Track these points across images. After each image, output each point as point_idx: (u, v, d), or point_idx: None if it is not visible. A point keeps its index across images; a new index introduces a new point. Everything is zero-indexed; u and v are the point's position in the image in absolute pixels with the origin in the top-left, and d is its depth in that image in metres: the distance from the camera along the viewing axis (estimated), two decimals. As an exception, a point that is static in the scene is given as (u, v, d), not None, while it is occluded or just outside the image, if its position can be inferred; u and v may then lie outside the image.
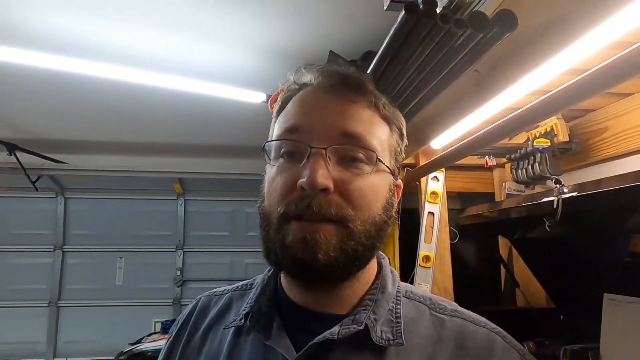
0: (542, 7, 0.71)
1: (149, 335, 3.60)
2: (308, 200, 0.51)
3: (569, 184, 1.26)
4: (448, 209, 1.65)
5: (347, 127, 0.54)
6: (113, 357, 4.05)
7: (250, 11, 1.94)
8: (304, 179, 0.51)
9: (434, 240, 1.51)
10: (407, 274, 1.61)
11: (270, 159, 0.58)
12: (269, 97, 2.49)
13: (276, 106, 0.63)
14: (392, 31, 0.71)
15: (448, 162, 1.35)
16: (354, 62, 2.10)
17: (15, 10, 1.84)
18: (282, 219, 0.53)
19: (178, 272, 4.59)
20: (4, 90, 2.72)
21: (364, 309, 0.55)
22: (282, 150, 0.56)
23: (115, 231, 4.58)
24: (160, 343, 3.13)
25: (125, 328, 4.40)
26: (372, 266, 0.61)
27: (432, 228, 1.52)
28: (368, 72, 0.90)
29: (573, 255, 1.41)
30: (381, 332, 0.54)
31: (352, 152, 0.54)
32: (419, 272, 1.49)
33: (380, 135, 0.57)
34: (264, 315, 0.58)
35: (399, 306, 0.58)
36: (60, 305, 4.44)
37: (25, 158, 3.79)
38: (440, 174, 1.57)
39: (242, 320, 0.59)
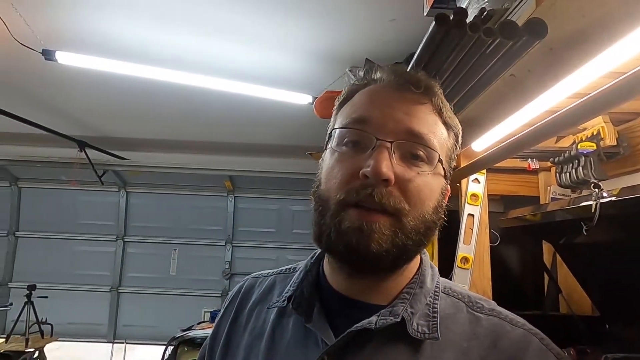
0: (577, 14, 0.73)
1: (199, 323, 3.81)
2: (370, 189, 0.52)
3: (616, 189, 1.23)
4: (490, 212, 1.63)
5: (413, 125, 0.56)
6: (165, 342, 4.34)
7: (298, 18, 2.03)
8: (369, 168, 0.52)
9: (473, 242, 1.51)
10: (444, 274, 1.62)
11: (333, 146, 0.58)
12: (314, 99, 2.57)
13: (339, 97, 0.63)
14: (424, 40, 0.75)
15: (489, 164, 1.35)
16: (398, 64, 2.13)
17: (87, 21, 2.04)
18: (340, 205, 0.54)
19: (227, 266, 4.80)
20: (76, 94, 3.01)
21: (402, 302, 0.56)
22: (346, 139, 0.57)
23: (170, 224, 4.87)
24: (208, 331, 3.31)
25: (177, 316, 4.66)
26: (415, 261, 0.61)
27: (472, 230, 1.52)
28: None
29: (620, 262, 1.36)
30: (417, 325, 0.55)
31: (415, 149, 0.56)
32: (456, 273, 1.50)
33: (441, 139, 0.59)
34: (306, 300, 0.60)
35: (436, 301, 0.58)
36: (120, 291, 4.79)
37: (93, 154, 4.14)
38: (481, 176, 1.56)
39: (285, 302, 0.62)
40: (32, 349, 3.67)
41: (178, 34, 2.16)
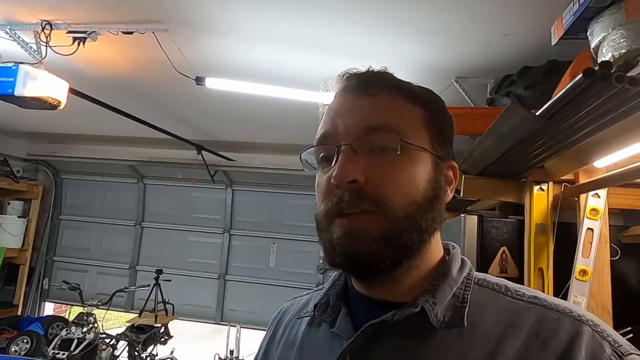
0: None
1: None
2: (340, 194, 0.52)
3: None
4: (610, 226, 1.65)
5: (369, 119, 0.55)
6: (265, 328, 4.73)
7: (409, 34, 2.16)
8: (333, 174, 0.53)
9: (592, 256, 1.55)
10: (559, 284, 1.67)
11: (314, 168, 0.60)
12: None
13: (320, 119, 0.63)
14: (568, 86, 0.86)
15: (614, 183, 1.39)
16: (509, 76, 2.17)
17: (224, 49, 2.37)
18: (327, 219, 0.54)
19: (321, 261, 5.09)
20: (195, 103, 3.42)
21: (423, 295, 0.54)
22: (320, 157, 0.59)
23: (270, 220, 5.28)
24: (310, 321, 3.56)
25: (275, 304, 4.92)
26: (435, 253, 0.58)
27: (591, 244, 1.56)
28: (540, 111, 1.04)
29: None
30: (443, 316, 0.52)
31: (377, 141, 0.54)
32: (574, 284, 1.54)
33: (410, 119, 0.56)
34: (332, 306, 0.61)
35: (467, 292, 0.55)
36: (226, 279, 5.32)
37: (206, 156, 4.64)
38: (602, 191, 1.58)
39: (313, 311, 0.63)
40: (159, 324, 4.27)
41: (294, 54, 2.40)
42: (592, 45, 1.13)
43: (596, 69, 0.78)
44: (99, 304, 3.74)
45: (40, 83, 2.34)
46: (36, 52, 2.40)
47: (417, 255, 0.55)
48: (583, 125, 1.01)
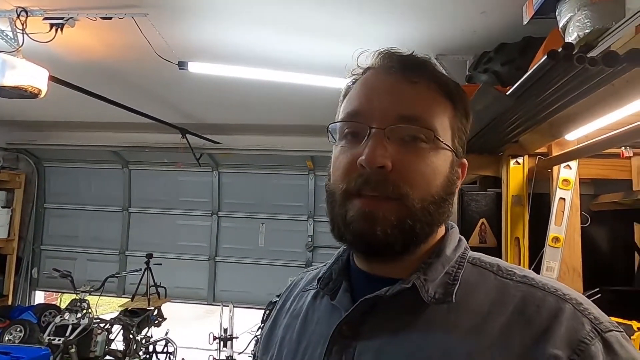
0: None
1: (291, 290, 4.20)
2: (366, 177, 0.53)
3: None
4: (580, 195, 1.75)
5: (406, 107, 0.55)
6: (257, 306, 4.86)
7: (387, 12, 2.19)
8: (363, 157, 0.53)
9: (564, 224, 1.65)
10: (535, 251, 1.78)
11: (335, 140, 0.60)
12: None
13: (343, 89, 0.64)
14: (534, 67, 0.92)
15: (584, 154, 1.48)
16: (487, 53, 2.22)
17: (207, 32, 2.36)
18: (344, 195, 0.55)
19: (309, 239, 5.19)
20: (178, 87, 3.39)
21: (416, 272, 0.56)
22: (345, 132, 0.58)
23: (258, 201, 5.32)
24: (301, 297, 3.67)
25: (266, 283, 5.16)
26: (437, 234, 0.61)
27: (563, 212, 1.65)
28: (510, 91, 1.10)
29: None
30: (434, 292, 0.54)
31: (410, 131, 0.55)
32: (547, 251, 1.64)
33: (442, 114, 0.57)
34: (334, 280, 0.63)
35: (459, 271, 0.57)
36: (217, 260, 5.38)
37: (192, 140, 4.63)
38: (573, 163, 1.67)
39: (316, 284, 0.66)
40: (152, 307, 4.34)
41: (273, 35, 2.40)
42: (560, 24, 1.19)
43: (559, 50, 0.84)
44: (92, 290, 3.77)
45: (19, 72, 2.31)
46: (13, 40, 2.36)
47: (423, 242, 0.57)
48: (551, 102, 1.08)
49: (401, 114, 0.55)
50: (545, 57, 0.85)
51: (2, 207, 5.21)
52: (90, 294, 3.80)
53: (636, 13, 0.91)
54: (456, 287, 0.55)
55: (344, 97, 0.63)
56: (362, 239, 0.54)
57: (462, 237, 0.64)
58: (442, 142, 0.56)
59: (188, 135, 4.57)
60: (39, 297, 5.96)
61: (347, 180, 0.55)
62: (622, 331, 0.51)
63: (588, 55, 0.85)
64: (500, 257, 1.94)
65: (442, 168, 0.57)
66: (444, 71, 0.64)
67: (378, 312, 0.56)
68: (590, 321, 0.50)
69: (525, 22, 1.30)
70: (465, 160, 0.63)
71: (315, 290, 0.67)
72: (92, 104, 3.38)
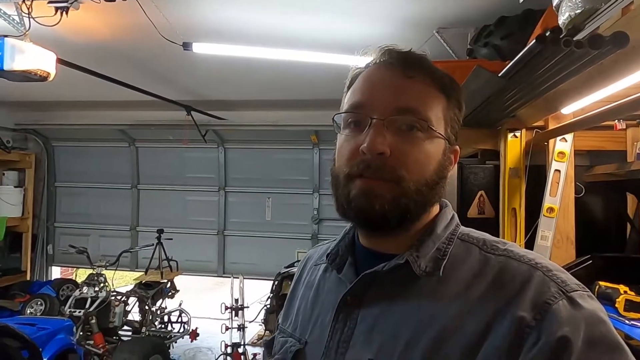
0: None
1: (298, 261, 4.34)
2: (367, 162, 0.60)
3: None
4: (576, 166, 1.81)
5: (403, 100, 0.61)
6: (265, 277, 5.03)
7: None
8: (365, 145, 0.60)
9: (559, 194, 1.72)
10: (530, 221, 1.86)
11: (340, 129, 0.67)
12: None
13: (347, 82, 0.70)
14: (524, 51, 0.97)
15: (579, 127, 1.53)
16: (487, 26, 2.23)
17: (207, 12, 2.38)
18: (347, 178, 0.62)
19: (315, 212, 5.30)
20: (182, 65, 3.42)
21: (410, 249, 0.63)
22: (348, 121, 0.65)
23: (264, 176, 5.41)
24: (308, 268, 3.81)
25: (274, 255, 5.31)
26: (431, 213, 0.67)
27: (558, 184, 1.72)
28: (502, 73, 1.15)
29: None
30: (425, 266, 0.61)
31: (407, 122, 0.61)
32: (542, 221, 1.72)
33: (436, 106, 0.63)
34: (340, 256, 0.71)
35: (449, 247, 0.64)
36: (225, 234, 5.53)
37: (196, 116, 4.68)
38: (569, 135, 1.73)
39: (325, 259, 0.74)
40: (165, 280, 4.52)
41: (275, 13, 2.42)
42: (554, 3, 1.22)
43: (547, 34, 0.89)
44: (107, 265, 3.93)
45: (27, 56, 2.36)
46: (19, 25, 2.39)
47: (417, 220, 0.64)
48: (543, 80, 1.13)
49: (399, 106, 0.62)
50: (534, 41, 0.90)
51: (15, 187, 5.34)
52: (106, 269, 3.95)
53: (623, -6, 0.96)
54: (444, 262, 0.62)
55: (348, 89, 0.69)
56: (363, 213, 0.61)
57: (455, 214, 0.71)
58: (435, 131, 0.63)
59: (193, 112, 4.62)
60: (56, 272, 6.18)
61: (350, 165, 0.62)
62: (587, 291, 0.57)
63: (574, 39, 0.90)
64: (498, 227, 2.04)
65: (435, 154, 0.63)
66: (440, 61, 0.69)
67: (377, 284, 0.64)
68: (557, 284, 0.55)
69: (521, 1, 1.33)
70: (457, 147, 0.69)
71: (325, 264, 0.75)
72: (98, 84, 3.43)
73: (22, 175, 5.51)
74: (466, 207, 1.99)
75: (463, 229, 0.68)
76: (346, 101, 0.68)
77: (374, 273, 0.63)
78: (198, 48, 2.40)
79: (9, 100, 4.92)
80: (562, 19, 1.16)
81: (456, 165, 0.71)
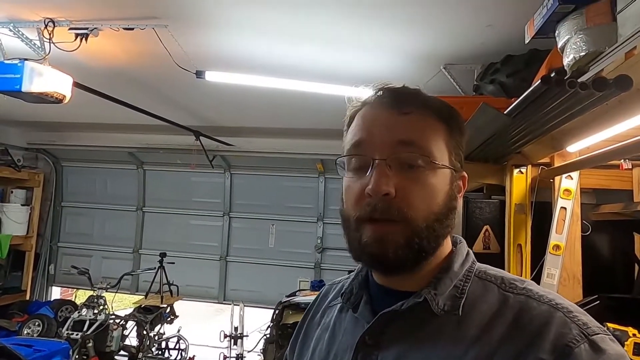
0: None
1: (300, 290, 4.30)
2: (374, 204, 0.59)
3: None
4: (582, 204, 1.80)
5: (402, 137, 0.61)
6: (266, 306, 4.95)
7: (396, 24, 2.26)
8: (370, 187, 0.59)
9: (565, 232, 1.71)
10: (537, 258, 1.84)
11: (345, 171, 0.66)
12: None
13: (345, 120, 0.70)
14: (529, 90, 0.99)
15: (584, 166, 1.53)
16: (494, 64, 2.29)
17: (222, 42, 2.46)
18: (358, 221, 0.61)
19: (319, 241, 5.26)
20: (194, 91, 3.50)
21: (427, 287, 0.61)
22: (352, 163, 0.65)
23: (268, 202, 5.42)
24: (310, 298, 3.76)
25: (276, 283, 5.23)
26: (444, 249, 0.66)
27: (564, 221, 1.71)
28: (507, 111, 1.17)
29: None
30: (444, 305, 0.60)
31: (409, 159, 0.61)
32: (548, 258, 1.71)
33: (437, 137, 0.63)
34: (355, 295, 0.69)
35: (467, 284, 0.62)
36: (228, 260, 5.49)
37: (204, 141, 4.74)
38: (575, 173, 1.73)
39: (340, 299, 0.73)
40: (165, 305, 4.46)
41: (286, 44, 2.50)
42: (559, 45, 1.26)
43: (552, 75, 0.92)
44: (108, 287, 3.91)
45: (45, 79, 2.44)
46: (40, 49, 2.48)
47: (431, 256, 0.63)
48: (548, 119, 1.15)
49: (400, 141, 0.62)
50: (539, 81, 0.92)
51: (22, 205, 5.38)
52: (106, 291, 3.92)
53: (627, 39, 0.98)
54: (463, 300, 0.61)
55: (347, 127, 0.69)
56: (377, 260, 0.61)
57: (470, 251, 0.69)
58: (438, 164, 0.62)
59: (202, 138, 4.69)
60: (56, 293, 6.13)
61: (359, 208, 0.62)
62: (609, 334, 0.55)
63: (579, 80, 0.92)
64: (503, 263, 2.02)
65: (441, 187, 0.63)
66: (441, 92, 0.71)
67: (395, 323, 0.63)
68: (579, 326, 0.54)
69: (527, 41, 1.37)
70: (464, 173, 0.69)
71: (339, 304, 0.74)
72: (110, 107, 3.50)
73: (30, 193, 5.56)
74: (471, 241, 1.98)
75: (479, 265, 0.67)
76: (346, 142, 0.68)
77: (393, 312, 0.62)
78: (210, 76, 2.47)
79: (22, 120, 5.03)
80: (567, 60, 1.19)
81: (462, 199, 0.70)
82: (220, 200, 5.53)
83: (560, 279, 1.70)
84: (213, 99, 3.70)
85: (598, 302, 1.58)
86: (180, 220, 5.62)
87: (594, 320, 0.56)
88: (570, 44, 1.18)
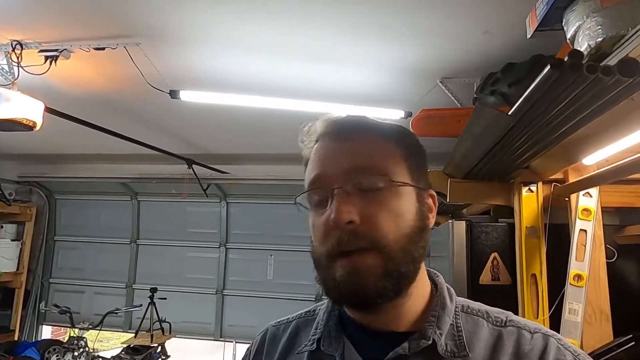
0: None
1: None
2: (339, 235, 0.56)
3: None
4: (604, 225, 1.56)
5: (355, 162, 0.60)
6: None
7: (388, 36, 2.10)
8: (331, 217, 0.57)
9: (587, 259, 1.45)
10: (554, 290, 1.58)
11: (308, 209, 0.64)
12: (407, 113, 2.61)
13: (304, 160, 0.68)
14: (536, 82, 0.78)
15: (604, 181, 1.30)
16: (493, 74, 2.09)
17: (201, 61, 2.32)
18: (328, 258, 0.58)
19: (319, 272, 4.99)
20: (185, 119, 3.38)
21: (429, 325, 0.59)
22: (313, 200, 0.63)
23: (267, 231, 5.18)
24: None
25: (275, 318, 4.81)
26: (423, 281, 0.64)
27: (585, 246, 1.46)
28: (512, 110, 0.96)
29: None
30: (446, 345, 0.58)
31: (365, 182, 0.59)
32: (569, 291, 1.45)
33: (391, 158, 0.61)
34: (334, 339, 0.64)
35: (459, 320, 0.61)
36: (224, 293, 5.21)
37: (198, 170, 4.58)
38: (594, 190, 1.50)
39: (314, 345, 0.65)
40: (156, 344, 4.17)
41: (274, 63, 2.34)
42: (568, 35, 1.05)
43: (565, 59, 0.70)
44: (89, 326, 3.65)
45: (13, 104, 2.28)
46: (8, 73, 2.34)
47: (412, 283, 0.60)
48: (561, 121, 0.93)
49: (354, 167, 0.59)
50: (549, 67, 0.71)
51: (12, 240, 5.20)
52: (88, 330, 3.66)
53: (656, 16, 0.77)
54: (464, 339, 0.59)
55: (305, 167, 0.67)
56: (355, 296, 0.57)
57: (448, 285, 0.67)
58: (398, 182, 0.60)
59: (196, 166, 4.53)
60: (47, 332, 5.86)
61: (327, 243, 0.58)
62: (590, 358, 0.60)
63: (601, 64, 0.71)
64: (516, 297, 1.76)
65: (407, 206, 0.60)
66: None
67: None
68: (571, 353, 0.58)
69: (529, 36, 1.17)
70: (432, 191, 0.66)
71: (311, 351, 0.66)
72: (99, 136, 3.35)
73: (21, 228, 5.39)
74: (478, 271, 1.72)
75: (458, 299, 0.66)
76: (305, 182, 0.66)
77: (401, 358, 0.58)
78: (186, 96, 2.29)
79: (13, 153, 4.92)
80: (581, 50, 0.98)
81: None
82: (217, 230, 5.31)
83: (584, 315, 1.43)
84: (202, 125, 3.55)
85: (633, 343, 1.32)
86: (175, 252, 5.39)
87: (579, 349, 0.60)
88: (582, 30, 0.98)
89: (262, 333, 0.78)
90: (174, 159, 4.22)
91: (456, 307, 0.63)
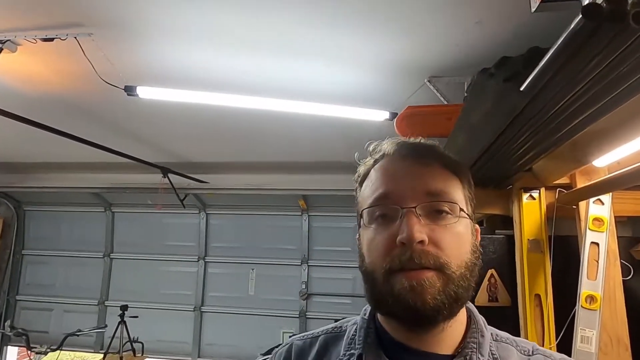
0: None
1: (280, 345, 3.74)
2: (409, 253, 0.57)
3: None
4: (617, 237, 1.35)
5: (429, 186, 0.62)
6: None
7: (372, 31, 1.90)
8: (404, 235, 0.58)
9: (601, 277, 1.24)
10: (562, 313, 1.36)
11: (365, 224, 0.64)
12: (392, 114, 2.40)
13: (357, 177, 0.71)
14: (559, 42, 0.57)
15: (618, 186, 1.09)
16: (487, 70, 1.90)
17: (164, 55, 2.10)
18: (388, 273, 0.59)
19: (303, 286, 4.74)
20: (159, 124, 3.14)
21: (471, 351, 0.61)
22: (376, 215, 0.63)
23: (247, 244, 4.94)
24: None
25: (256, 336, 4.69)
26: (463, 309, 0.66)
27: (597, 262, 1.25)
28: (526, 84, 0.75)
29: None
30: None
31: (437, 206, 0.61)
32: (581, 314, 1.23)
33: (456, 188, 0.64)
34: (377, 356, 0.64)
35: (493, 348, 0.64)
36: (203, 310, 4.92)
37: (175, 179, 4.33)
38: (606, 196, 1.29)
39: None
40: (125, 367, 3.86)
41: (250, 58, 2.13)
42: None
43: (601, 2, 0.49)
44: (48, 350, 3.34)
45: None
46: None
47: (462, 308, 0.62)
48: (586, 101, 0.71)
49: (428, 191, 0.62)
50: (580, 16, 0.49)
51: (-25, 255, 4.86)
52: (46, 354, 3.35)
53: None
54: None
55: (361, 183, 0.69)
56: (413, 309, 0.57)
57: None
58: (465, 212, 0.63)
59: (173, 175, 4.28)
60: (12, 353, 5.49)
61: (390, 259, 0.59)
62: None
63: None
64: (517, 320, 1.54)
65: (467, 236, 0.63)
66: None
67: None
68: None
69: (533, 9, 0.96)
70: (477, 226, 0.68)
71: None
72: (68, 144, 3.08)
73: (-14, 242, 5.06)
74: (473, 291, 1.49)
75: (487, 327, 0.68)
76: (366, 196, 0.66)
77: None
78: (144, 92, 2.05)
79: (-23, 162, 4.62)
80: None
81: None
82: (195, 243, 5.04)
83: (599, 344, 1.21)
84: (173, 128, 3.32)
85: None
86: (151, 266, 5.09)
87: None
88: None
89: (285, 346, 0.76)
90: (149, 167, 3.97)
91: (490, 334, 0.66)
